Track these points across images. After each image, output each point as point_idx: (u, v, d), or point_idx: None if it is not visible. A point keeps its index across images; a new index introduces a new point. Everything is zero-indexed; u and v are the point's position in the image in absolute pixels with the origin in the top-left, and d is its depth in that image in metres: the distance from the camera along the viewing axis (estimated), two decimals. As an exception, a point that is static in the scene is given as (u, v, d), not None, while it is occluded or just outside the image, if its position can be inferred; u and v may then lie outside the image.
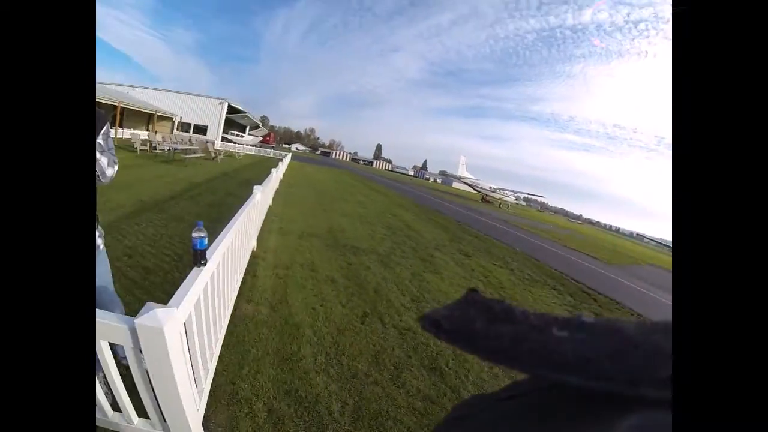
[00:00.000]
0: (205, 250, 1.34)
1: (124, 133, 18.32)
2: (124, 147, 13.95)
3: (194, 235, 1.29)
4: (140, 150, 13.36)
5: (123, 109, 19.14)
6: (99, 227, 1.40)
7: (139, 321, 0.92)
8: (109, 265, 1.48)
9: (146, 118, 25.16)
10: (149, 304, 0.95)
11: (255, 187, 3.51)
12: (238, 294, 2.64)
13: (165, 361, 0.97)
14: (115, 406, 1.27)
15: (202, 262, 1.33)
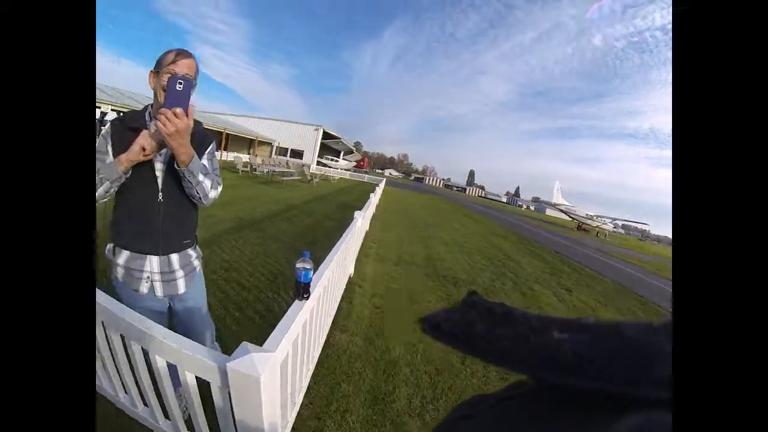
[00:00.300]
0: (309, 283, 1.24)
1: (228, 156, 21.32)
2: (227, 168, 15.57)
3: (299, 266, 1.18)
4: (242, 171, 15.02)
5: (227, 134, 22.17)
6: (197, 248, 1.38)
7: (233, 365, 0.83)
8: (204, 287, 1.44)
9: (248, 143, 28.24)
10: (245, 345, 0.88)
11: (356, 212, 3.53)
12: (333, 322, 2.52)
13: (256, 407, 0.89)
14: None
15: (305, 295, 1.23)
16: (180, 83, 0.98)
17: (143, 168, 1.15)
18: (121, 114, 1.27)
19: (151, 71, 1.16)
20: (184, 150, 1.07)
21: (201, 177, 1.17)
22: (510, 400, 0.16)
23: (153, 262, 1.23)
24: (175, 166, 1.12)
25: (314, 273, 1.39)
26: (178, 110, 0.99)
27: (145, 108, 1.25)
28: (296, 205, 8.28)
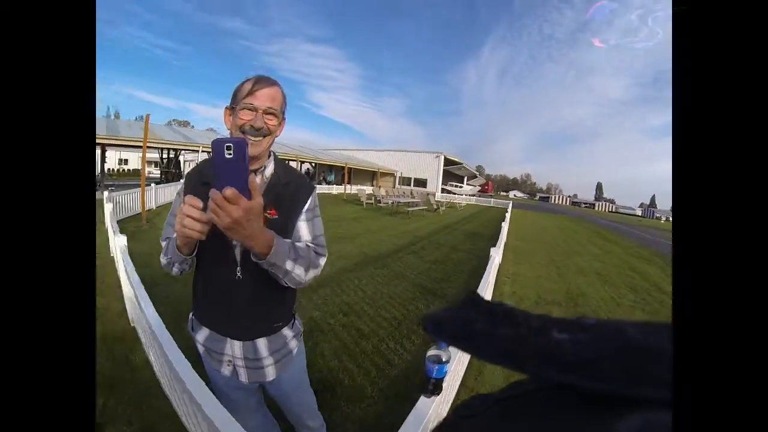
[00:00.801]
0: (443, 378, 0.92)
1: (352, 189, 22.15)
2: (352, 201, 15.86)
3: (433, 357, 0.88)
4: (366, 203, 14.93)
5: (350, 169, 23.39)
6: (296, 324, 1.09)
7: None
8: (304, 367, 1.18)
9: (370, 175, 29.45)
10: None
11: (492, 249, 3.37)
12: (461, 383, 2.11)
13: None
14: None
15: (435, 392, 0.94)
16: (229, 149, 0.64)
17: (217, 232, 0.80)
18: (198, 164, 1.04)
19: (226, 108, 0.93)
20: (253, 242, 0.75)
21: (290, 265, 0.85)
22: (510, 400, 0.16)
23: (235, 347, 1.00)
24: (252, 257, 0.82)
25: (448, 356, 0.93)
26: (229, 192, 0.65)
27: None
28: (423, 237, 7.83)
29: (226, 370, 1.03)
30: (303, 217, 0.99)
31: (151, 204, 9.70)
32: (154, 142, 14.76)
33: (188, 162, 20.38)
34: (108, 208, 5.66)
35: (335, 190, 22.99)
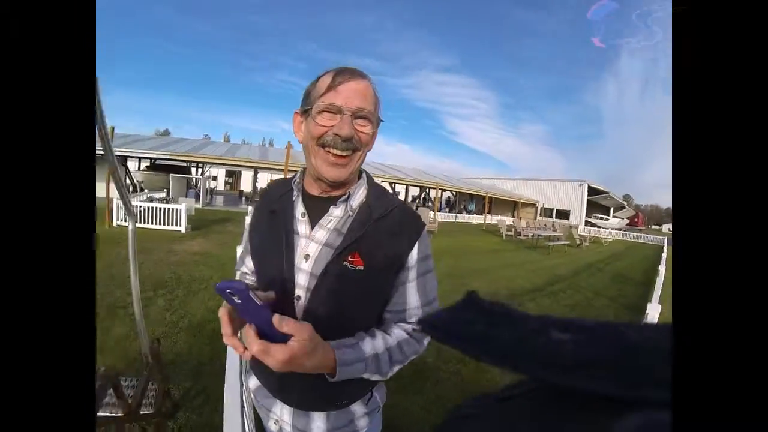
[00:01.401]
0: None
1: (492, 219, 21.42)
2: (491, 231, 15.24)
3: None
4: (505, 235, 14.19)
5: (491, 198, 22.85)
6: (376, 397, 0.79)
7: None
8: None
9: (511, 206, 27.92)
10: None
11: (649, 305, 2.99)
12: None
13: None
14: None
15: None
16: (233, 295, 0.52)
17: (276, 278, 0.68)
18: (263, 189, 0.85)
19: (296, 112, 0.71)
20: (312, 369, 0.57)
21: (367, 376, 0.63)
22: (510, 401, 0.16)
23: (284, 411, 0.77)
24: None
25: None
26: (256, 350, 0.53)
27: (300, 174, 0.76)
28: (562, 276, 7.13)
29: (274, 428, 0.80)
30: (409, 274, 0.68)
31: None
32: (295, 166, 16.05)
33: None
34: (247, 220, 6.11)
35: (475, 219, 22.28)
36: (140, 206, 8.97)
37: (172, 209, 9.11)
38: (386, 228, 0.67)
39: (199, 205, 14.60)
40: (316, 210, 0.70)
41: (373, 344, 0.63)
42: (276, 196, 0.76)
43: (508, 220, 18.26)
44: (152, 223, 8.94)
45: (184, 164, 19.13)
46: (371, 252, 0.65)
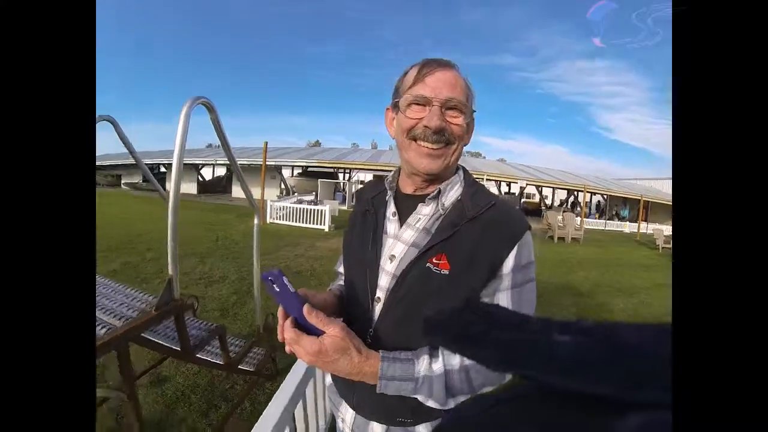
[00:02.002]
0: None
1: (648, 228, 17.78)
2: (645, 243, 13.12)
3: None
4: (662, 248, 11.67)
5: (647, 203, 19.30)
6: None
7: None
8: None
9: (671, 212, 25.13)
10: None
11: None
12: None
13: None
14: None
15: None
16: (273, 282, 0.56)
17: (361, 272, 0.67)
18: (361, 188, 0.82)
19: (388, 108, 0.69)
20: (348, 372, 0.56)
21: (419, 397, 0.57)
22: (510, 402, 0.16)
23: (348, 413, 0.74)
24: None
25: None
26: (288, 336, 0.55)
27: (395, 173, 0.74)
28: None
29: (340, 426, 0.78)
30: (502, 282, 0.60)
31: None
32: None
33: None
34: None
35: (628, 227, 18.71)
36: (290, 207, 10.68)
37: (318, 210, 10.33)
38: (480, 229, 0.60)
39: (344, 207, 15.95)
40: (408, 209, 0.67)
41: (430, 364, 0.56)
42: (369, 196, 0.74)
43: (667, 229, 14.41)
44: (301, 222, 10.42)
45: (331, 170, 21.02)
46: (460, 254, 0.59)
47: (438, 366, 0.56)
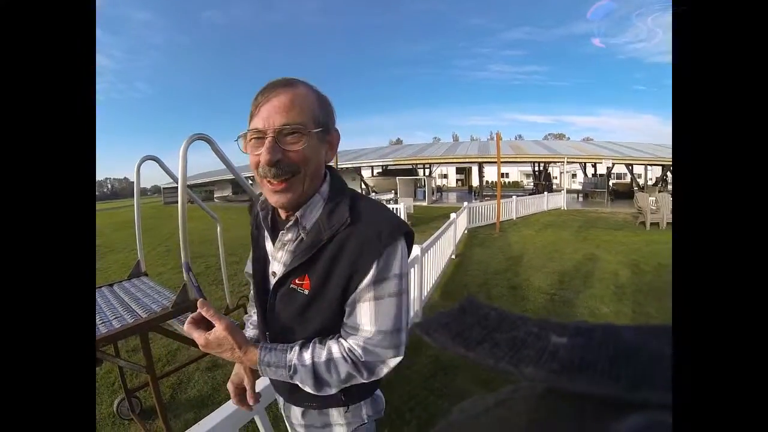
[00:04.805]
0: None
1: None
2: None
3: None
4: None
5: None
6: (354, 411, 0.75)
7: None
8: None
9: None
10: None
11: None
12: None
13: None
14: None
15: None
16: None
17: (254, 285, 0.75)
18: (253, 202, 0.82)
19: (240, 135, 0.66)
20: (238, 359, 0.65)
21: (298, 382, 0.64)
22: (509, 402, 0.16)
23: (280, 397, 0.83)
24: None
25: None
26: (187, 327, 0.66)
27: None
28: None
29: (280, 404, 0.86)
30: (362, 294, 0.61)
31: (511, 215, 10.48)
32: (516, 157, 18.07)
33: (563, 173, 20.93)
34: (463, 216, 7.10)
35: None
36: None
37: (393, 209, 10.89)
38: (336, 248, 0.62)
39: (425, 203, 16.01)
40: (278, 230, 0.70)
41: (300, 354, 0.63)
42: (255, 212, 0.76)
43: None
44: (382, 220, 10.91)
45: (410, 167, 20.98)
46: (320, 275, 0.62)
47: (306, 357, 0.63)
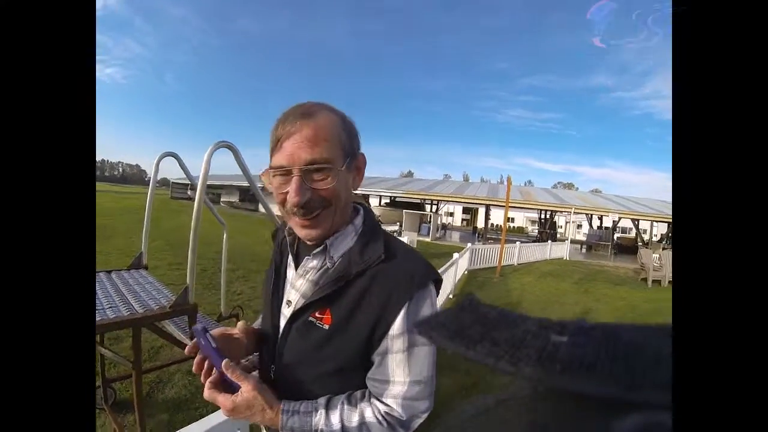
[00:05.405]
0: None
1: None
2: None
3: None
4: None
5: None
6: None
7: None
8: None
9: None
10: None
11: None
12: None
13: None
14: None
15: None
16: (196, 336, 0.61)
17: (267, 314, 0.70)
18: (276, 229, 0.82)
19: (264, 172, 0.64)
20: (261, 422, 0.58)
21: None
22: (510, 401, 0.16)
23: None
24: None
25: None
26: (206, 394, 0.59)
27: None
28: None
29: None
30: (393, 344, 0.56)
31: (512, 260, 10.14)
32: (524, 203, 17.94)
33: (568, 223, 21.10)
34: (465, 257, 6.96)
35: None
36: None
37: None
38: (366, 284, 0.58)
39: (428, 239, 15.81)
40: (303, 258, 0.66)
41: (327, 418, 0.57)
42: (279, 238, 0.73)
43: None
44: (382, 251, 10.94)
45: (418, 201, 20.83)
46: (344, 310, 0.58)
47: (335, 420, 0.57)
